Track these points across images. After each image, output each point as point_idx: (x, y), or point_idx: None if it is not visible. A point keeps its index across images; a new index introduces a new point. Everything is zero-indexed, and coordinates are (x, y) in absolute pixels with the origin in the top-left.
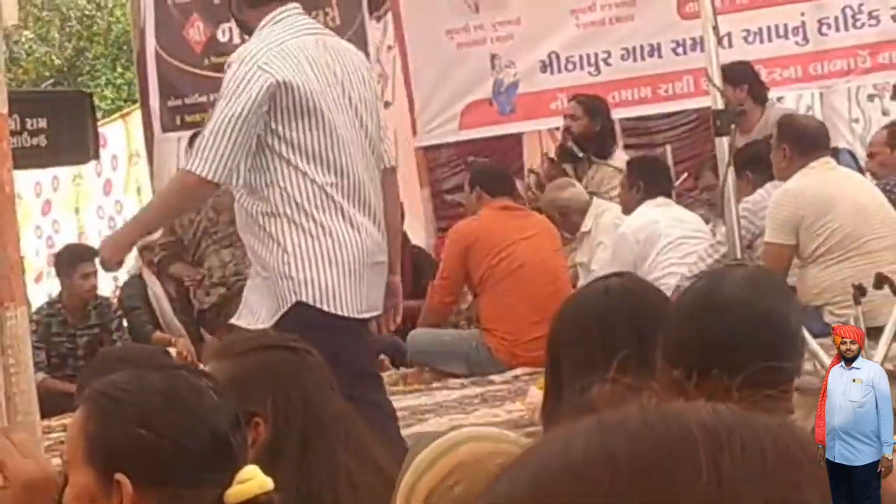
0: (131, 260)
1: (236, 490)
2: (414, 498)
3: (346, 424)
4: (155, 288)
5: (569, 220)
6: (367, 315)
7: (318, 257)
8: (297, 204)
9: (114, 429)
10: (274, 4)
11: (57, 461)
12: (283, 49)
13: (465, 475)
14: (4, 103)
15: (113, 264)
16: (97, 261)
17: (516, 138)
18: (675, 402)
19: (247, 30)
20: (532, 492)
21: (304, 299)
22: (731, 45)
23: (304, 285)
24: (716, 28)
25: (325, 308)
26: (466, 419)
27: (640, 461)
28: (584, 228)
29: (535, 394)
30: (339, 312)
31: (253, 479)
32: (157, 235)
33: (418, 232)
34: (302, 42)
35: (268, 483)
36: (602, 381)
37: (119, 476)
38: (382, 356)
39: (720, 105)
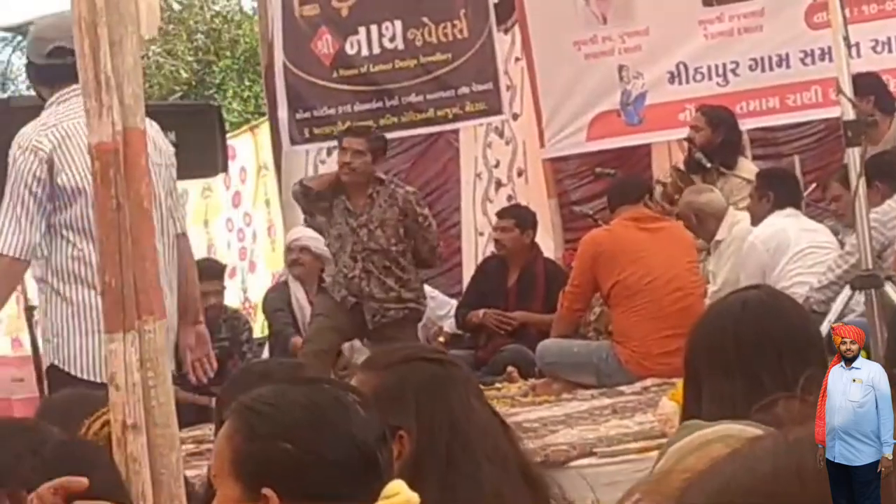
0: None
1: None
2: (661, 488)
3: (493, 438)
4: (298, 294)
5: (704, 226)
6: None
7: (68, 325)
8: (58, 273)
9: (259, 443)
10: (65, 83)
11: (189, 472)
12: (53, 130)
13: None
14: (143, 119)
15: None
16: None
17: (645, 149)
18: None
19: (43, 100)
20: None
21: (55, 362)
22: (859, 55)
23: (57, 349)
24: (846, 38)
25: (72, 372)
26: (597, 430)
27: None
28: (718, 237)
29: (667, 405)
30: (83, 376)
31: (399, 493)
32: (296, 235)
33: (547, 243)
34: (79, 123)
35: (414, 498)
36: (788, 398)
37: (266, 490)
38: (511, 367)
39: (851, 116)
